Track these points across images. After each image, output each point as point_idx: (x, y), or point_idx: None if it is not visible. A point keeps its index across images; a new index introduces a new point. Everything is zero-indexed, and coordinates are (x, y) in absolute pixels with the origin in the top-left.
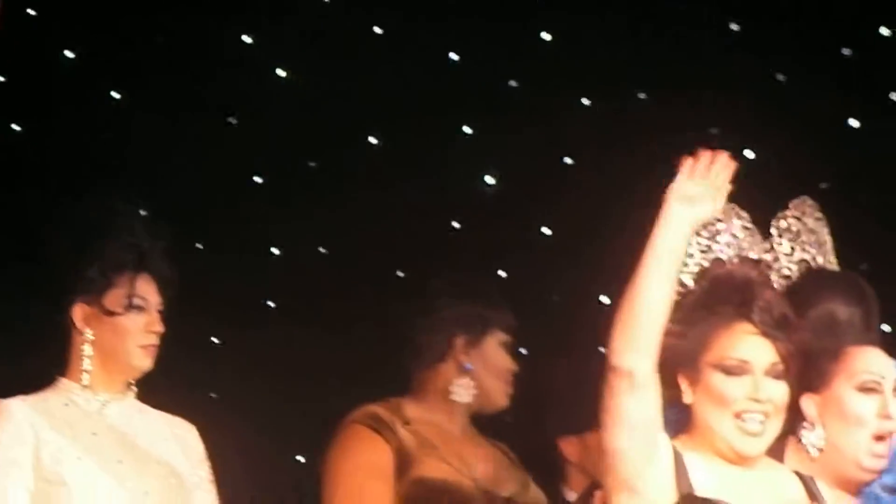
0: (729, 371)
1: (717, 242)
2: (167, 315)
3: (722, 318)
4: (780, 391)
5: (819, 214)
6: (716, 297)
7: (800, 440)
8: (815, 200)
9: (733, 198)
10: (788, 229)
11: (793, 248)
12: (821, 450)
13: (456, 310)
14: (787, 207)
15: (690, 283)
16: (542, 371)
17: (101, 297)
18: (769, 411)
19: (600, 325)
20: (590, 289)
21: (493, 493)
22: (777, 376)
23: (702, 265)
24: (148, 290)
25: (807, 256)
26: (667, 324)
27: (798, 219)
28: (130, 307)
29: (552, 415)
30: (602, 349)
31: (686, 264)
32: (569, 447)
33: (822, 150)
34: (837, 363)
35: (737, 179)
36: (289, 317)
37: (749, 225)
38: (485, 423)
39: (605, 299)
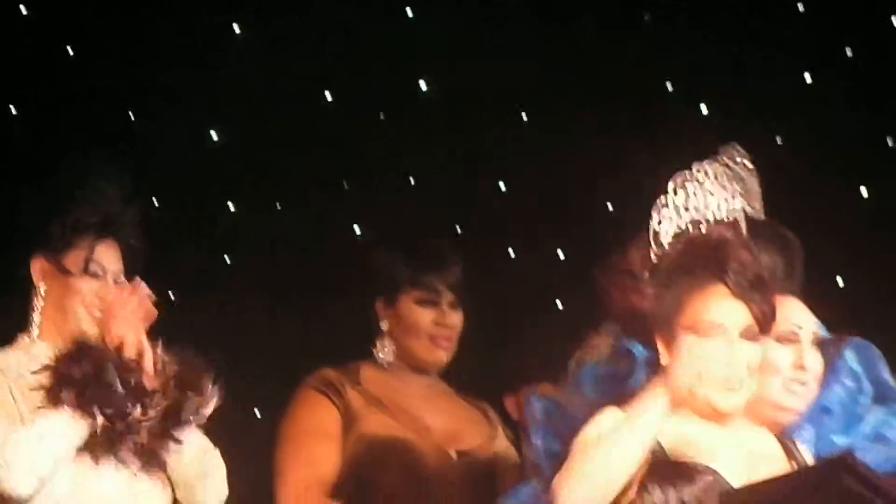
0: (703, 333)
1: (695, 203)
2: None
3: (697, 280)
4: (754, 353)
5: (747, 162)
6: (691, 260)
7: None
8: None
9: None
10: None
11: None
12: None
13: (379, 272)
14: (715, 154)
15: (667, 246)
16: (497, 327)
17: (60, 255)
18: (746, 372)
19: (556, 280)
20: (546, 244)
21: (446, 449)
22: (751, 338)
23: (680, 227)
24: (108, 257)
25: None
26: (645, 286)
27: (726, 166)
28: (86, 271)
29: (504, 371)
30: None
31: (666, 228)
32: (511, 404)
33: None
34: None
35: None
36: (245, 274)
37: (728, 185)
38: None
39: (560, 254)
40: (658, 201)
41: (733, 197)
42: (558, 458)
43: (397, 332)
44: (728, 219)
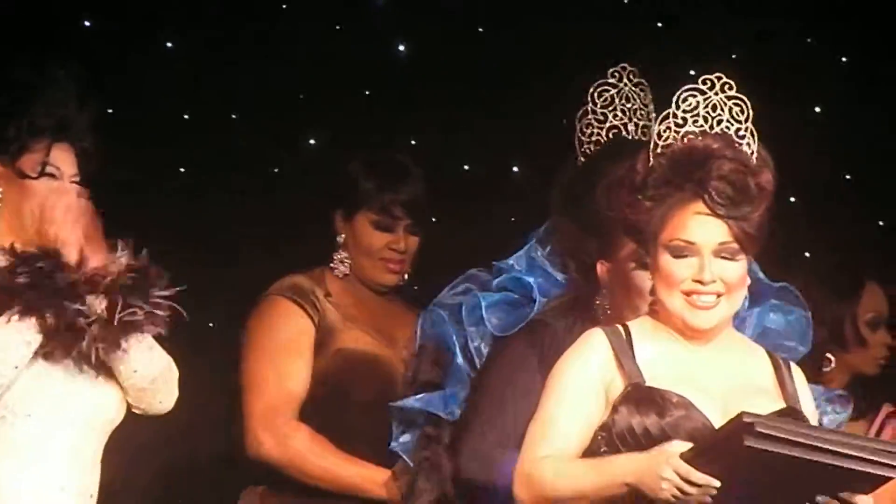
0: (676, 252)
1: (699, 113)
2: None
3: (680, 196)
4: (730, 271)
5: (640, 80)
6: (677, 174)
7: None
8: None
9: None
10: (602, 96)
11: (605, 116)
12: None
13: (340, 185)
14: (605, 75)
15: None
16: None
17: (16, 159)
18: (720, 291)
19: (511, 195)
20: (502, 159)
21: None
22: (728, 256)
23: (675, 138)
24: (64, 160)
25: (618, 123)
26: (635, 200)
27: (614, 86)
28: (43, 173)
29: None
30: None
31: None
32: None
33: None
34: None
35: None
36: (201, 182)
37: (726, 100)
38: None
39: (516, 168)
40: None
41: (740, 111)
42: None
43: (352, 247)
44: (725, 131)
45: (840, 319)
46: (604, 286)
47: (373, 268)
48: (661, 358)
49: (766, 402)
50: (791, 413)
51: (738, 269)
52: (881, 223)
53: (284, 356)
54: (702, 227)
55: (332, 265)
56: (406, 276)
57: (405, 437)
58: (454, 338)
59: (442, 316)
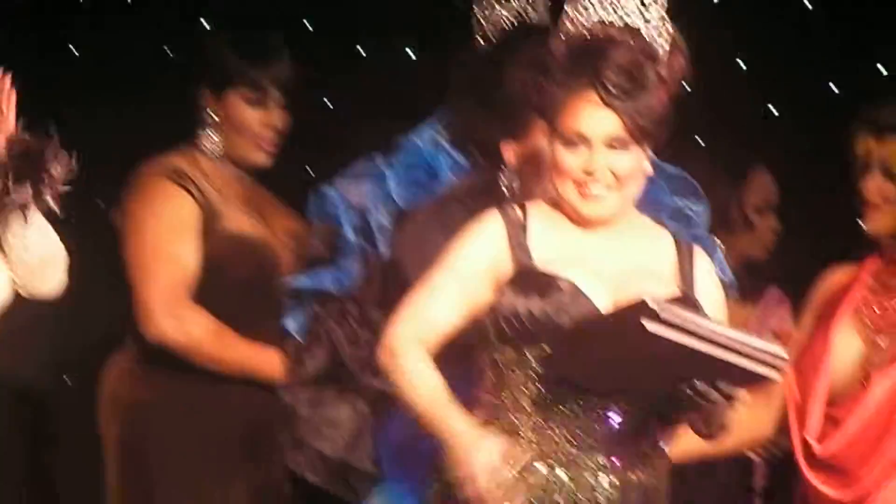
0: (567, 142)
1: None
2: None
3: (577, 85)
4: (621, 162)
5: None
6: (576, 62)
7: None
8: None
9: None
10: None
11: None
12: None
13: (208, 62)
14: None
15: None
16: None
17: None
18: (610, 182)
19: (411, 84)
20: (396, 41)
21: (295, 248)
22: (619, 147)
23: (585, 24)
24: None
25: (520, 7)
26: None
27: None
28: None
29: None
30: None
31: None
32: None
33: None
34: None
35: None
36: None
37: None
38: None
39: (410, 53)
40: None
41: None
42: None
43: (225, 126)
44: (631, 16)
45: (727, 203)
46: (511, 168)
47: (246, 146)
48: (554, 241)
49: (659, 286)
50: (683, 300)
51: (629, 161)
52: (772, 109)
53: (173, 237)
54: (592, 118)
55: (203, 145)
56: (272, 157)
57: (295, 315)
58: (347, 215)
59: (334, 196)
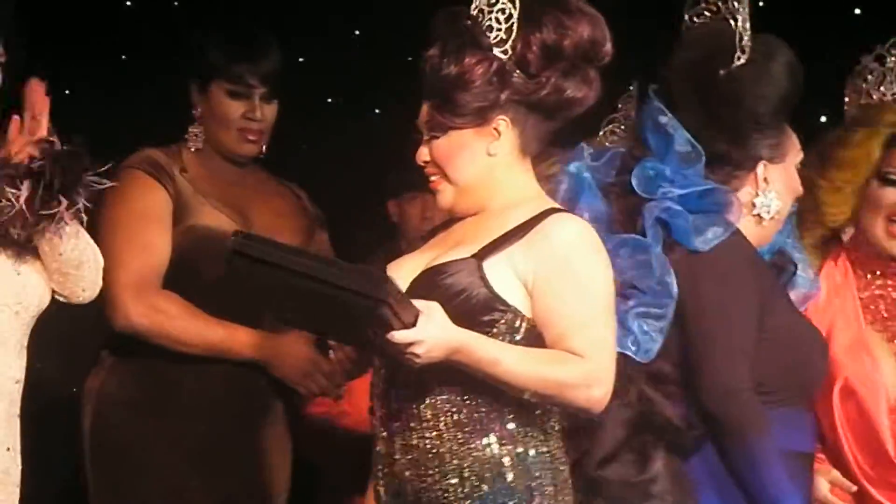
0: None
1: None
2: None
3: None
4: (434, 149)
5: None
6: None
7: None
8: None
9: None
10: None
11: None
12: None
13: (193, 56)
14: None
15: None
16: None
17: None
18: (434, 171)
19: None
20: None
21: None
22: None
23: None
24: None
25: None
26: None
27: None
28: None
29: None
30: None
31: None
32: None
33: None
34: None
35: None
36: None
37: None
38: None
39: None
40: None
41: None
42: None
43: (209, 120)
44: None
45: None
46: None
47: (230, 139)
48: None
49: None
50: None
51: (439, 147)
52: None
53: (145, 226)
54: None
55: (187, 139)
56: (265, 147)
57: None
58: None
59: None
